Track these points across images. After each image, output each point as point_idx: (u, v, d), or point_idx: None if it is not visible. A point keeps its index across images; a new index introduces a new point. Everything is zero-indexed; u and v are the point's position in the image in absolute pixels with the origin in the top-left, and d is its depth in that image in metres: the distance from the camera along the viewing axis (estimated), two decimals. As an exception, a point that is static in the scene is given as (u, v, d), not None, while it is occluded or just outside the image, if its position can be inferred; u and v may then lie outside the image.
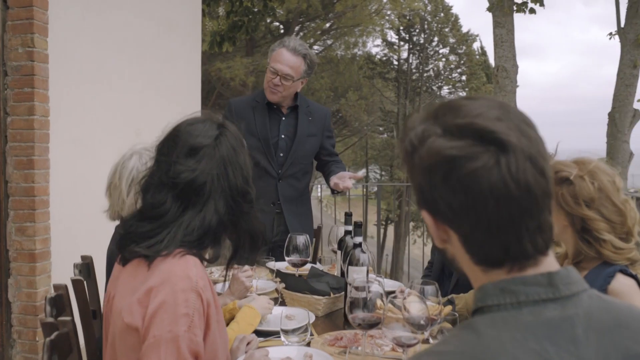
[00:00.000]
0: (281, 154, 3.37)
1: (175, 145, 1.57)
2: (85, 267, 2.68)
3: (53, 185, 3.81)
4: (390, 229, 24.25)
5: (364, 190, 16.35)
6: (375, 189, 14.10)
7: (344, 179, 3.24)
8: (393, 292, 2.56)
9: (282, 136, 3.38)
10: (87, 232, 3.87)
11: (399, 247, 21.95)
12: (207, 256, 1.58)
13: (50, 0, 3.75)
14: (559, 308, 0.84)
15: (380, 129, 28.37)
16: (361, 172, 3.52)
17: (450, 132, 0.87)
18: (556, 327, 0.83)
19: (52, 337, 1.67)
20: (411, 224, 23.94)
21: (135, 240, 1.52)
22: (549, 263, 0.89)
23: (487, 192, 0.84)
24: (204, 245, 1.54)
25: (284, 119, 3.41)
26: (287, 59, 3.27)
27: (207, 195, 1.53)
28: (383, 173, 29.63)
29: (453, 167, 0.85)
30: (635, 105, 8.50)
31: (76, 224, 4.00)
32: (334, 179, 3.28)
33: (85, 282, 2.45)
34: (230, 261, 1.65)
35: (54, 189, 3.82)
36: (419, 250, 7.92)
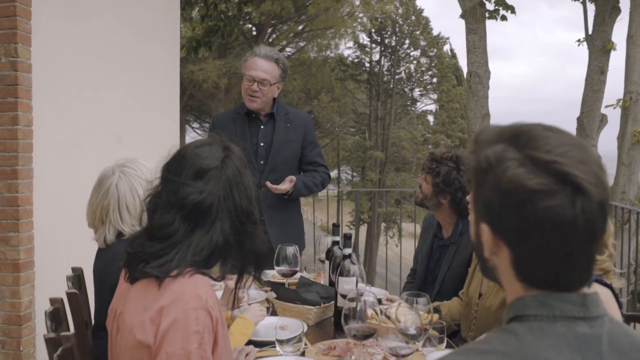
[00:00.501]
0: (261, 162, 3.45)
1: (182, 166, 1.62)
2: (77, 278, 2.72)
3: (36, 195, 3.81)
4: (363, 230, 24.42)
5: (338, 192, 16.45)
6: (348, 189, 14.17)
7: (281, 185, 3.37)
8: (379, 299, 2.64)
9: (261, 144, 3.46)
10: (70, 241, 3.88)
11: (372, 248, 22.12)
12: (213, 275, 1.64)
13: (33, 9, 3.75)
14: (588, 326, 0.94)
15: (352, 130, 28.51)
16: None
17: (532, 163, 0.93)
18: (586, 342, 0.92)
19: (59, 352, 1.72)
20: (382, 224, 24.14)
21: (145, 259, 1.57)
22: None
23: (556, 227, 0.91)
24: (211, 264, 1.61)
25: (262, 127, 3.49)
26: (261, 65, 3.40)
27: (214, 216, 1.59)
28: (355, 174, 29.79)
29: (530, 199, 0.92)
30: (603, 110, 8.75)
31: (60, 233, 4.00)
32: (268, 184, 3.37)
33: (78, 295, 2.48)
34: (238, 282, 1.72)
35: (38, 198, 3.82)
36: (390, 250, 8.02)
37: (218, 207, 1.60)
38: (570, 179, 0.91)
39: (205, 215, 1.59)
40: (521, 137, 0.97)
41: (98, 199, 2.33)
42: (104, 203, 2.32)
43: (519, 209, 0.93)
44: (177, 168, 1.63)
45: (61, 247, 3.99)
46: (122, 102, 4.87)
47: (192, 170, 1.61)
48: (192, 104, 21.14)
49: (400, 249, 7.94)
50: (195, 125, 23.96)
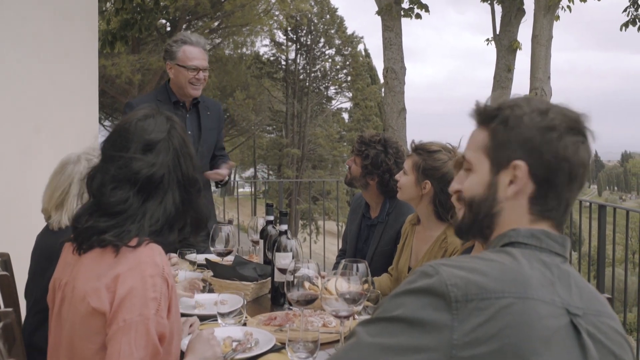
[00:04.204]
0: None
1: (129, 141, 1.63)
2: (4, 263, 2.66)
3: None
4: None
5: (252, 189, 16.41)
6: (265, 187, 14.22)
7: (217, 172, 3.42)
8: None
9: (189, 132, 3.46)
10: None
11: (290, 245, 22.18)
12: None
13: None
14: (563, 262, 1.15)
15: (269, 128, 28.55)
16: (232, 162, 3.64)
17: (556, 111, 1.16)
18: (562, 274, 1.12)
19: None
20: (300, 222, 24.32)
21: (100, 231, 1.57)
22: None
23: (580, 160, 1.15)
24: (164, 234, 1.64)
25: (188, 115, 3.50)
26: (199, 53, 3.42)
27: (166, 187, 1.63)
28: (271, 172, 29.83)
29: (566, 133, 1.14)
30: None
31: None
32: (208, 174, 3.41)
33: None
34: (181, 246, 1.76)
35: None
36: (306, 248, 8.12)
37: (169, 178, 1.63)
38: (585, 125, 1.17)
39: (158, 186, 1.61)
40: (533, 98, 1.22)
41: (59, 182, 2.30)
42: (64, 186, 2.29)
43: (558, 141, 1.14)
44: (123, 143, 1.63)
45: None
46: (39, 90, 4.71)
47: (140, 144, 1.63)
48: (104, 100, 20.45)
49: (324, 244, 8.05)
50: (107, 123, 23.22)
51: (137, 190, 1.60)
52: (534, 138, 1.14)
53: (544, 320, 1.03)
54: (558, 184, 1.15)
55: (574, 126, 1.15)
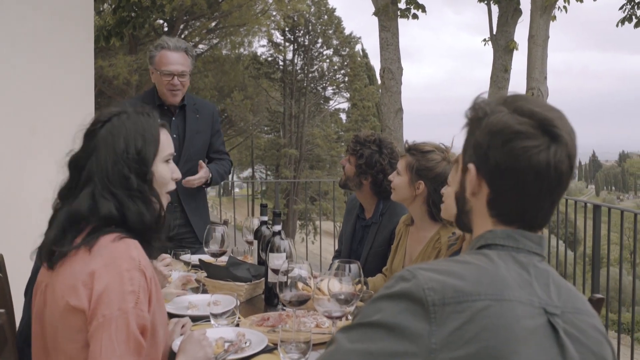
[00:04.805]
0: (175, 153, 3.43)
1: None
2: (-4, 265, 2.66)
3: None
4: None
5: (249, 190, 16.40)
6: (262, 187, 14.19)
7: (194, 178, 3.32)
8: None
9: (174, 135, 3.42)
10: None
11: (287, 245, 22.17)
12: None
13: (-60, -9, 3.58)
14: (540, 261, 1.15)
15: (266, 128, 28.54)
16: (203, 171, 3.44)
17: (519, 113, 1.11)
18: (540, 273, 1.12)
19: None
20: (298, 222, 24.31)
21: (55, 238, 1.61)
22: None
23: (531, 167, 1.09)
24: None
25: (174, 119, 3.47)
26: (175, 58, 3.36)
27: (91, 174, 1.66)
28: (269, 173, 29.83)
29: (514, 138, 1.10)
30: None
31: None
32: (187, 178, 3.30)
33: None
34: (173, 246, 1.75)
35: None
36: (304, 248, 8.11)
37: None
38: (549, 128, 1.10)
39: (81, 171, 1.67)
40: (510, 97, 1.17)
41: None
42: None
43: (503, 146, 1.10)
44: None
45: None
46: (36, 91, 4.70)
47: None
48: (101, 101, 20.44)
49: (321, 244, 8.06)
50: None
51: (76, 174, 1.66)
52: (483, 142, 1.14)
53: (521, 321, 1.03)
54: (506, 189, 1.13)
55: (526, 130, 1.10)
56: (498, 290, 1.04)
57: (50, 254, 1.60)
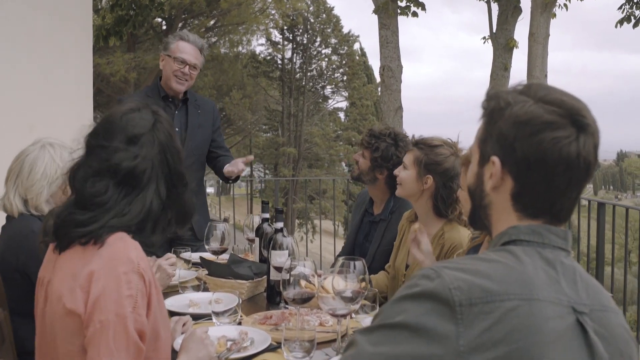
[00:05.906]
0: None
1: (112, 133, 1.59)
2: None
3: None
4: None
5: (248, 188, 16.38)
6: (261, 186, 14.16)
7: (236, 164, 3.37)
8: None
9: (176, 129, 3.42)
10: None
11: (286, 244, 22.15)
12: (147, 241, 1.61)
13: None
14: (567, 257, 1.10)
15: (265, 127, 28.51)
16: (250, 156, 3.68)
17: (546, 101, 1.07)
18: (566, 269, 1.08)
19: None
20: (297, 221, 24.29)
21: (75, 225, 1.52)
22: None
23: (561, 157, 1.05)
24: (145, 230, 1.59)
25: (176, 112, 3.48)
26: (191, 50, 3.43)
27: (147, 181, 1.58)
28: (267, 172, 29.79)
29: (543, 129, 1.06)
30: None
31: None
32: (227, 167, 3.38)
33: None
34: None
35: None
36: (303, 247, 8.07)
37: (151, 172, 1.59)
38: (578, 117, 1.07)
39: (139, 180, 1.57)
40: (526, 86, 1.13)
41: (13, 164, 2.30)
42: (13, 166, 2.30)
43: (532, 137, 1.06)
44: (107, 135, 1.59)
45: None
46: (34, 89, 4.67)
47: (123, 136, 1.59)
48: (99, 99, 20.37)
49: (320, 243, 8.00)
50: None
51: (117, 182, 1.55)
52: (509, 134, 1.09)
53: (550, 321, 0.99)
54: (534, 182, 1.09)
55: (556, 120, 1.06)
56: (527, 290, 1.01)
57: (65, 235, 1.55)
